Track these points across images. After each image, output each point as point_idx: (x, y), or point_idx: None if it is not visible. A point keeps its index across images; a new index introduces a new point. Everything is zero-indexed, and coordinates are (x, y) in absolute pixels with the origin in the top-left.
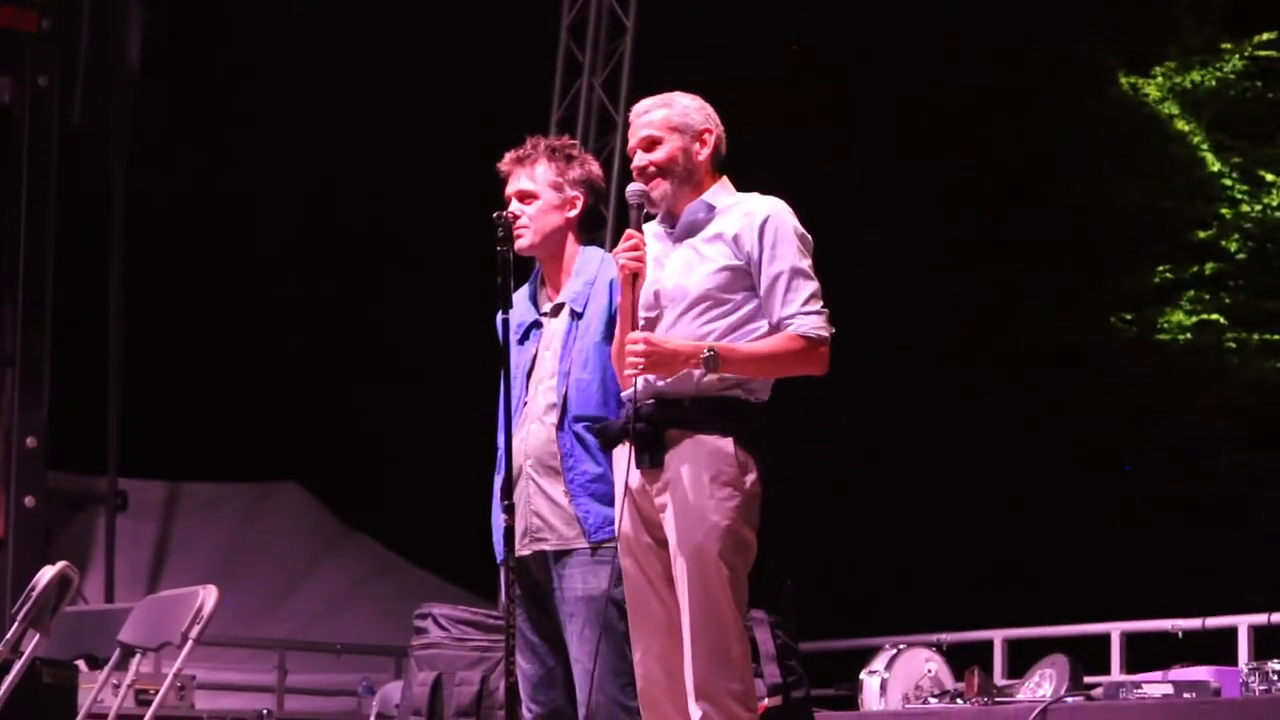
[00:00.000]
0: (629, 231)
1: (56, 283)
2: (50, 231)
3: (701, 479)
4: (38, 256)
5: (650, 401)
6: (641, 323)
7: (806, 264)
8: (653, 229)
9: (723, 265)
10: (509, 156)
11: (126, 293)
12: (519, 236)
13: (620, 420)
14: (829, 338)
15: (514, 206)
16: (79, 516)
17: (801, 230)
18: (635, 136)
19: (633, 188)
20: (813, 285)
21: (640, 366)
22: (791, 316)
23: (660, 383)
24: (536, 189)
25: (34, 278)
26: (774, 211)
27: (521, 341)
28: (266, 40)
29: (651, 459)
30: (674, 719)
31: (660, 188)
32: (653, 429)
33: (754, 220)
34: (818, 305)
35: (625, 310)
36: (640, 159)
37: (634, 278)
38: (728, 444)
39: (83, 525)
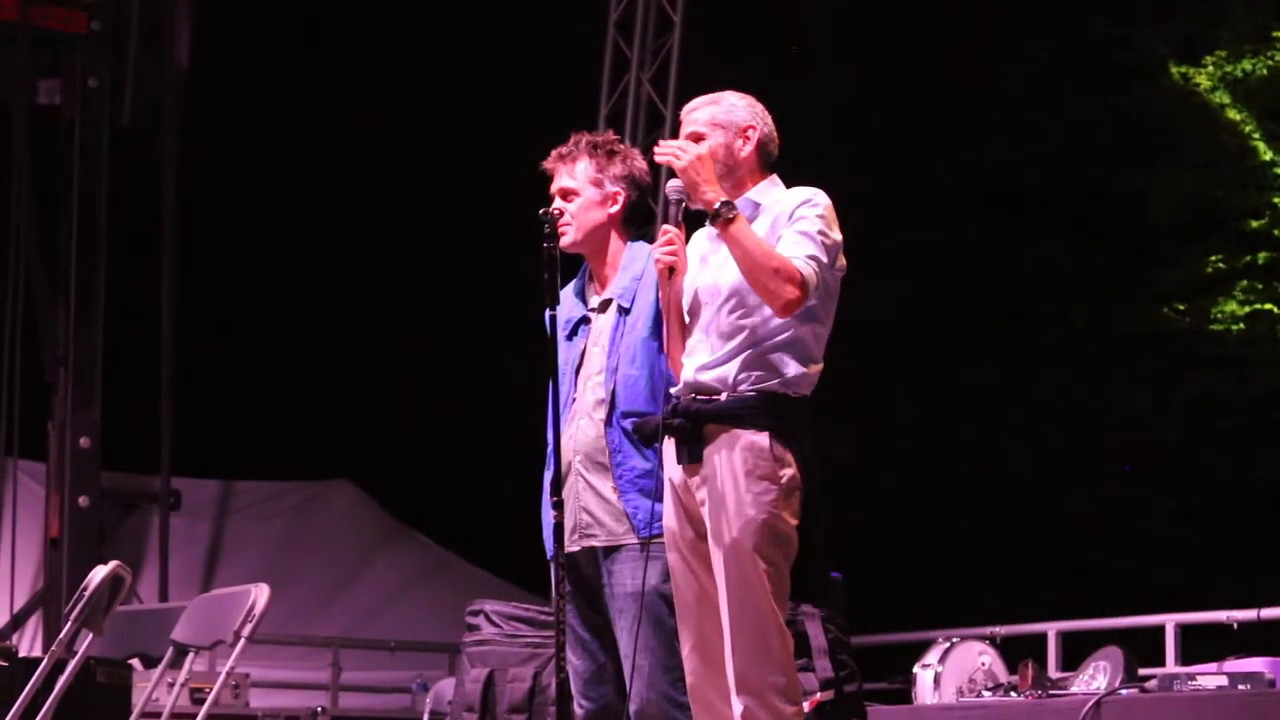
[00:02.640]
0: (665, 227)
1: (108, 283)
2: (101, 231)
3: (737, 473)
4: (89, 257)
5: (690, 396)
6: (688, 318)
7: (826, 238)
8: (706, 230)
9: None
10: (552, 154)
11: (178, 292)
12: (562, 234)
13: (659, 416)
14: (808, 287)
15: (556, 204)
16: (133, 516)
17: (833, 222)
18: (682, 134)
19: (673, 183)
20: (820, 250)
21: (678, 157)
22: (794, 256)
23: (700, 377)
24: (577, 186)
25: (85, 278)
26: (814, 194)
27: (570, 337)
28: (315, 37)
29: (690, 454)
30: (724, 714)
31: None
32: (690, 424)
33: (793, 200)
34: (815, 264)
35: (666, 305)
36: None
37: (669, 273)
38: (763, 438)
39: (136, 524)
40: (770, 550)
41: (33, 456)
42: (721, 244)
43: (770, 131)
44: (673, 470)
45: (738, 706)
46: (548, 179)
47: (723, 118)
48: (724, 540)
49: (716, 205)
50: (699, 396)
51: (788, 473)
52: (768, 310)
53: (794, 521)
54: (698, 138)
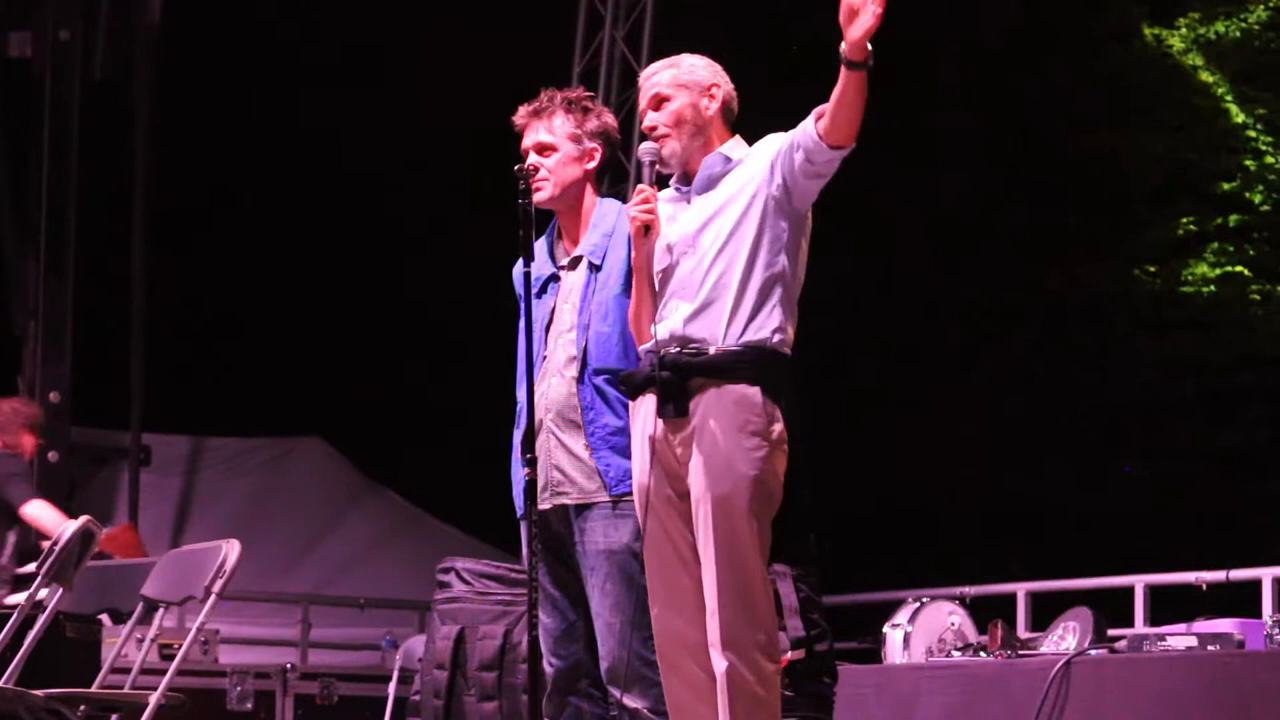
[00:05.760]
0: (640, 186)
1: (79, 237)
2: (73, 185)
3: (729, 429)
4: (60, 210)
5: (675, 350)
6: (657, 277)
7: None
8: (668, 193)
9: (746, 205)
10: (524, 110)
11: (149, 246)
12: (538, 189)
13: (645, 369)
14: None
15: (532, 159)
16: (102, 471)
17: None
18: (644, 99)
19: (645, 146)
20: None
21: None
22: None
23: (687, 330)
24: (555, 141)
25: (56, 232)
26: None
27: (539, 295)
28: None
29: (677, 408)
30: (693, 672)
31: (669, 145)
32: (678, 377)
33: (770, 140)
34: None
35: (639, 265)
36: (650, 119)
37: (645, 231)
38: (755, 393)
39: (106, 480)
40: (760, 508)
41: None
42: (692, 201)
43: (731, 90)
44: (651, 426)
45: (721, 664)
46: (517, 135)
47: (686, 78)
48: (714, 497)
49: (868, 55)
50: (684, 349)
51: (777, 428)
52: (746, 260)
53: (780, 480)
54: (661, 100)
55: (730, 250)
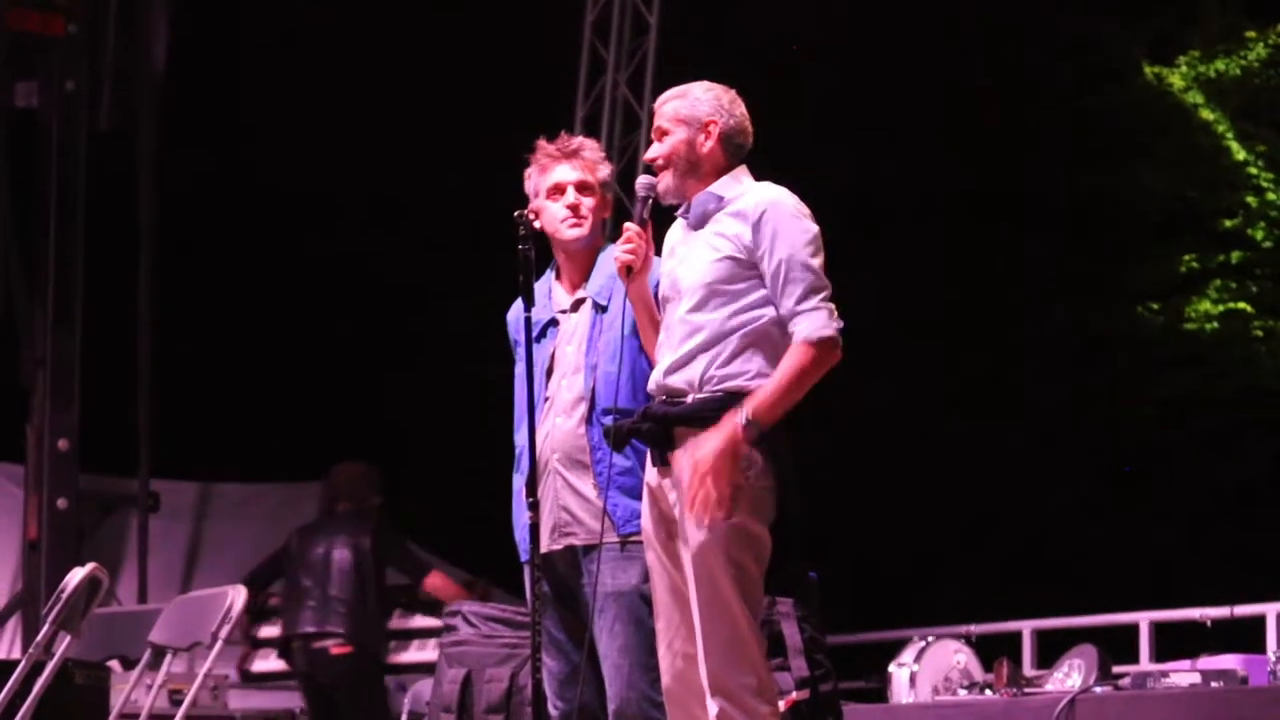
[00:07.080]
0: (626, 225)
1: (86, 285)
2: (80, 234)
3: None
4: (67, 259)
5: (660, 399)
6: (660, 315)
7: (806, 254)
8: (679, 223)
9: (725, 255)
10: (554, 148)
11: (156, 294)
12: (578, 226)
13: (629, 420)
14: (836, 335)
15: (572, 196)
16: (111, 518)
17: (803, 220)
18: (654, 127)
19: (641, 179)
20: (810, 278)
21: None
22: (794, 316)
23: (669, 379)
24: (594, 184)
25: (64, 280)
26: (773, 203)
27: (538, 339)
28: (291, 39)
29: (661, 457)
30: (698, 714)
31: (664, 180)
32: (659, 427)
33: (752, 214)
34: (817, 300)
35: (633, 302)
36: (650, 151)
37: (628, 272)
38: None
39: (115, 527)
40: (738, 552)
41: (10, 459)
42: (691, 237)
43: (736, 123)
44: (648, 473)
45: (713, 708)
46: (519, 179)
47: (686, 113)
48: (693, 544)
49: (746, 427)
50: (668, 399)
51: (754, 472)
52: (735, 304)
53: (763, 522)
54: (663, 133)
55: (711, 303)
